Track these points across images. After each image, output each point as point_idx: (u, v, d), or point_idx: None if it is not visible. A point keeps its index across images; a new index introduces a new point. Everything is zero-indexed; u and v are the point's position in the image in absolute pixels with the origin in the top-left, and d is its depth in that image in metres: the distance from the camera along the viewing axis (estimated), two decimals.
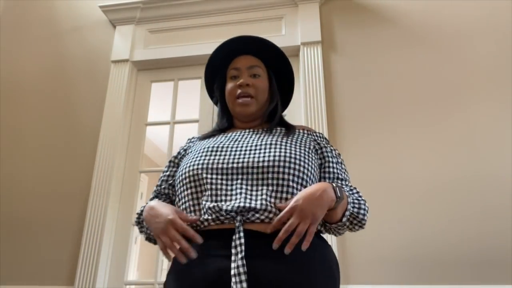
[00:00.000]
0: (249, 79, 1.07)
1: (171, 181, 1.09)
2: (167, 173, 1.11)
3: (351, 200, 0.92)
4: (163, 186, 1.10)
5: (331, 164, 1.01)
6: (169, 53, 2.32)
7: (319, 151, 1.02)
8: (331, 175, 1.00)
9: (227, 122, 1.13)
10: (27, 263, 1.99)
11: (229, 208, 0.85)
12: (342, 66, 2.12)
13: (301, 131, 1.06)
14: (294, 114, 2.12)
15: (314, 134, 1.07)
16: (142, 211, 1.04)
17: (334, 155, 1.05)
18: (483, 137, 1.86)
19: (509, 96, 1.91)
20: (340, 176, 1.01)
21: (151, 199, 1.07)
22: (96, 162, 2.10)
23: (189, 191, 0.94)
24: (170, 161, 1.14)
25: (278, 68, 1.13)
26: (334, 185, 0.87)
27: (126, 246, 2.02)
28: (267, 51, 1.12)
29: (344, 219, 0.89)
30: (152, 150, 4.78)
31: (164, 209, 0.91)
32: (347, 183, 1.01)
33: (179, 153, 1.13)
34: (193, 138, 1.16)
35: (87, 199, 2.05)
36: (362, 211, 0.94)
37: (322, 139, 1.06)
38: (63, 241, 2.00)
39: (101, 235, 1.96)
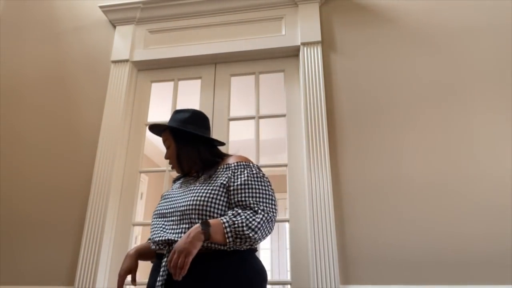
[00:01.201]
0: (166, 154, 1.44)
1: None
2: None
3: (228, 224, 1.16)
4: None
5: (234, 193, 1.26)
6: (169, 53, 2.32)
7: (228, 183, 1.28)
8: (235, 201, 1.25)
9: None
10: (27, 263, 1.99)
11: (157, 239, 1.26)
12: (342, 66, 2.12)
13: (222, 166, 1.34)
14: (294, 114, 2.12)
15: (232, 166, 1.32)
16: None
17: (242, 181, 1.26)
18: (483, 137, 1.86)
19: (509, 97, 1.91)
20: (242, 200, 1.24)
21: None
22: (96, 162, 2.11)
23: (151, 226, 1.36)
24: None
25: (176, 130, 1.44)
26: (200, 223, 1.15)
27: (126, 246, 2.02)
28: (168, 127, 1.44)
29: (229, 240, 1.16)
30: (152, 150, 4.79)
31: (125, 260, 1.36)
32: (248, 203, 1.23)
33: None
34: (173, 179, 1.54)
35: (87, 199, 2.05)
36: (241, 228, 1.16)
37: (237, 169, 1.31)
38: (63, 241, 2.00)
39: (101, 235, 1.96)
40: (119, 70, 2.32)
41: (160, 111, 3.23)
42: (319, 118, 1.99)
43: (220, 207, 1.24)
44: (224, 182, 1.27)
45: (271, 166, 2.25)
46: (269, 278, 1.94)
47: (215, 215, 1.22)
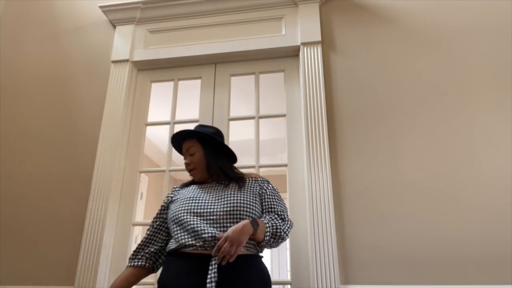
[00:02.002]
0: (188, 158, 1.56)
1: (161, 222, 1.55)
2: (160, 215, 1.56)
3: (269, 225, 1.38)
4: (156, 223, 1.56)
5: (265, 200, 1.49)
6: (169, 53, 2.32)
7: (260, 192, 1.50)
8: (266, 207, 1.47)
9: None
10: (27, 263, 1.99)
11: (208, 235, 1.31)
12: (342, 66, 2.12)
13: (250, 179, 1.53)
14: (294, 114, 2.12)
15: (260, 180, 1.55)
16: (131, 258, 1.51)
17: (271, 192, 1.51)
18: (483, 138, 1.86)
19: (509, 97, 1.91)
20: (270, 208, 1.47)
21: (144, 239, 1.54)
22: (96, 162, 2.11)
23: (177, 227, 1.39)
24: (161, 205, 1.58)
25: (210, 139, 1.57)
26: (251, 219, 1.34)
27: (126, 246, 2.02)
28: (197, 133, 1.57)
29: (266, 238, 1.37)
30: (152, 150, 4.79)
31: None
32: (277, 211, 1.47)
33: (167, 198, 1.58)
34: (176, 188, 1.61)
35: (87, 199, 2.05)
36: (279, 231, 1.40)
37: (263, 183, 1.54)
38: (63, 241, 2.00)
39: (101, 235, 1.96)
40: (119, 70, 2.32)
41: (160, 111, 3.23)
42: (319, 118, 1.99)
43: (258, 210, 1.43)
44: (258, 192, 1.48)
45: (271, 166, 2.25)
46: None
47: (255, 216, 1.40)
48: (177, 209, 1.42)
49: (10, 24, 2.65)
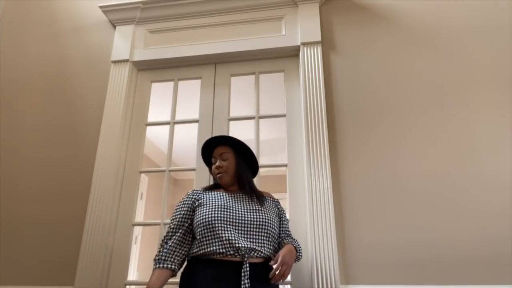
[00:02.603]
0: (221, 162, 1.62)
1: (189, 224, 1.55)
2: (188, 215, 1.56)
3: (298, 249, 1.57)
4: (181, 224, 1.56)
5: (283, 223, 1.63)
6: (169, 53, 2.32)
7: (278, 213, 1.62)
8: (283, 229, 1.61)
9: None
10: (27, 263, 1.99)
11: (242, 246, 1.40)
12: (342, 66, 2.12)
13: (268, 199, 1.64)
14: (294, 114, 2.12)
15: (275, 200, 1.67)
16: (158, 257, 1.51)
17: (284, 214, 1.65)
18: (483, 138, 1.86)
19: (509, 97, 1.91)
20: (287, 231, 1.63)
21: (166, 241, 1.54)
22: (96, 162, 2.11)
23: (209, 234, 1.43)
24: (185, 204, 1.58)
25: (243, 149, 1.67)
26: (295, 245, 1.55)
27: (126, 246, 2.02)
28: (233, 141, 1.66)
29: (295, 261, 1.55)
30: (152, 150, 4.79)
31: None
32: (289, 233, 1.63)
33: (190, 199, 1.58)
34: (197, 190, 1.62)
35: (87, 199, 2.05)
36: (300, 255, 1.60)
37: (278, 203, 1.67)
38: (63, 241, 2.00)
39: (101, 235, 1.96)
40: (119, 70, 2.32)
41: (160, 111, 3.23)
42: (319, 118, 1.99)
43: (278, 228, 1.56)
44: (276, 212, 1.60)
45: (271, 166, 2.25)
46: None
47: (276, 233, 1.54)
48: (210, 216, 1.46)
49: (10, 24, 2.65)
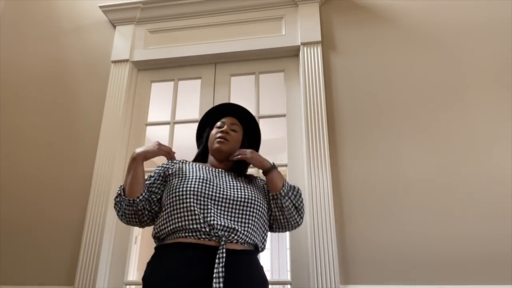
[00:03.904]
0: (229, 131, 1.45)
1: (156, 187, 1.38)
2: (155, 180, 1.39)
3: (286, 180, 1.38)
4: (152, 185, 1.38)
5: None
6: (169, 53, 2.32)
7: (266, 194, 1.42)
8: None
9: (201, 157, 1.54)
10: (27, 263, 1.99)
11: (218, 223, 1.19)
12: (342, 66, 2.12)
13: (258, 178, 1.48)
14: (294, 114, 2.12)
15: (262, 180, 1.48)
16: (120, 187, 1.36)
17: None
18: (483, 138, 1.86)
19: (509, 97, 1.91)
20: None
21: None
22: (96, 162, 2.10)
23: (181, 206, 1.22)
24: (155, 172, 1.41)
25: (250, 126, 1.55)
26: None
27: (126, 246, 2.02)
28: (244, 115, 1.53)
29: (286, 186, 1.36)
30: None
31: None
32: None
33: (163, 167, 1.41)
34: (174, 161, 1.44)
35: (87, 199, 2.05)
36: (296, 188, 1.40)
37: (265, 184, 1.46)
38: (63, 241, 2.00)
39: (101, 235, 1.96)
40: (119, 70, 2.32)
41: (160, 111, 3.22)
42: (319, 118, 1.99)
43: (266, 208, 1.37)
44: (264, 190, 1.43)
45: None
46: (269, 278, 1.94)
47: (264, 213, 1.35)
48: (185, 186, 1.25)
49: (10, 24, 2.65)
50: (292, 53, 2.24)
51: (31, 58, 2.50)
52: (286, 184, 1.36)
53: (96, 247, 1.94)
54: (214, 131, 1.47)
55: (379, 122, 1.97)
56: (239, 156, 1.38)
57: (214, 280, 1.07)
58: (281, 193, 1.34)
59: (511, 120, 1.87)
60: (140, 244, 4.57)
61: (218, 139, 1.41)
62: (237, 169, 1.44)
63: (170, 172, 1.38)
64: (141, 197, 1.30)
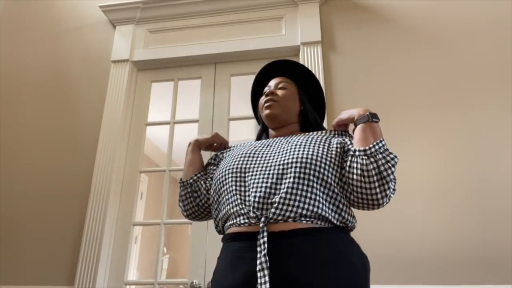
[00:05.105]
0: (274, 90, 1.21)
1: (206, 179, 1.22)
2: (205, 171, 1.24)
3: (383, 142, 0.99)
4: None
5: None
6: (169, 53, 2.32)
7: (343, 146, 1.05)
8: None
9: (263, 133, 1.30)
10: (27, 263, 1.99)
11: (252, 198, 0.93)
12: (342, 65, 2.12)
13: (330, 131, 1.15)
14: None
15: (345, 133, 1.15)
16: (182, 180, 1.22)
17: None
18: (484, 137, 1.86)
19: (509, 96, 1.91)
20: None
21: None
22: (96, 162, 2.10)
23: (221, 189, 1.04)
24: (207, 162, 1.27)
25: (309, 86, 1.27)
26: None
27: (126, 246, 2.01)
28: (297, 71, 1.27)
29: (376, 145, 0.97)
30: (152, 150, 4.78)
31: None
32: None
33: (214, 156, 1.28)
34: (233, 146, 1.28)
35: (87, 199, 2.05)
36: (394, 160, 0.97)
37: (346, 137, 1.12)
38: (63, 241, 2.00)
39: (101, 235, 1.96)
40: (119, 70, 2.32)
41: (160, 111, 3.22)
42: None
43: (331, 173, 0.99)
44: (335, 147, 1.09)
45: None
46: None
47: (328, 181, 0.98)
48: (225, 167, 1.06)
49: (10, 23, 2.65)
50: (292, 53, 2.23)
51: (31, 58, 2.50)
52: (380, 143, 0.98)
53: (96, 247, 1.94)
54: (261, 99, 1.23)
55: (379, 122, 1.96)
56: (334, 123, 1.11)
57: (259, 274, 0.82)
58: (365, 150, 0.96)
59: (511, 119, 1.87)
60: (140, 244, 4.57)
61: (265, 105, 1.17)
62: (305, 127, 1.21)
63: (222, 157, 1.23)
64: (195, 177, 1.18)
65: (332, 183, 0.96)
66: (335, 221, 0.94)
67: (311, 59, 2.13)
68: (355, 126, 1.03)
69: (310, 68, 2.10)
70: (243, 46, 2.24)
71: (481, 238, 1.69)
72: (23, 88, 2.42)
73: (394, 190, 0.99)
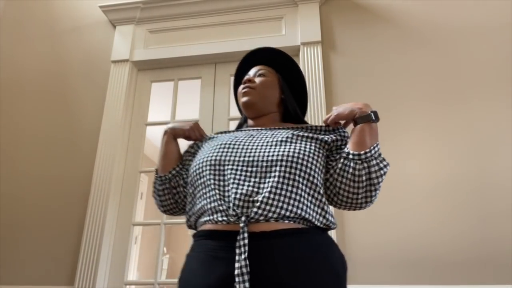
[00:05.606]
0: (252, 78, 1.15)
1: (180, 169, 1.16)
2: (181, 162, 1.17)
3: (379, 147, 0.96)
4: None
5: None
6: (169, 53, 2.32)
7: (330, 145, 1.02)
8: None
9: (244, 124, 1.23)
10: (27, 263, 1.99)
11: (232, 194, 0.88)
12: (342, 65, 2.12)
13: (317, 129, 1.08)
14: None
15: (341, 130, 1.09)
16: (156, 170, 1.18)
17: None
18: (484, 137, 1.86)
19: (509, 96, 1.91)
20: None
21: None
22: (96, 162, 2.10)
23: (198, 181, 0.97)
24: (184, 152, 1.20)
25: (290, 74, 1.21)
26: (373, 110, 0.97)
27: (126, 246, 2.01)
28: (277, 59, 1.20)
29: (372, 150, 0.93)
30: (152, 150, 4.78)
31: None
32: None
33: (192, 144, 1.19)
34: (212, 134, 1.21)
35: (87, 199, 2.05)
36: (386, 167, 0.95)
37: (341, 132, 1.08)
38: (63, 241, 2.00)
39: (101, 235, 1.96)
40: (119, 70, 2.32)
41: (160, 111, 3.22)
42: (319, 118, 1.99)
43: (316, 171, 0.96)
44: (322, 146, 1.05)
45: None
46: None
47: (312, 180, 0.94)
48: (203, 157, 0.99)
49: (10, 24, 2.65)
50: (292, 53, 2.23)
51: (31, 57, 2.50)
52: (376, 147, 0.94)
53: (96, 247, 1.94)
54: (239, 88, 1.16)
55: (379, 122, 1.96)
56: (329, 120, 1.03)
57: (237, 279, 0.77)
58: (360, 155, 0.92)
59: (511, 119, 1.87)
60: (140, 244, 4.58)
61: (242, 92, 1.12)
62: (286, 118, 1.15)
63: (201, 145, 1.15)
64: (173, 172, 1.12)
65: (318, 184, 0.93)
66: (318, 224, 0.91)
67: (311, 59, 2.13)
68: (355, 124, 0.99)
69: (310, 68, 2.10)
70: (243, 46, 2.24)
71: (481, 238, 1.69)
72: (23, 88, 2.42)
73: (377, 194, 0.97)
